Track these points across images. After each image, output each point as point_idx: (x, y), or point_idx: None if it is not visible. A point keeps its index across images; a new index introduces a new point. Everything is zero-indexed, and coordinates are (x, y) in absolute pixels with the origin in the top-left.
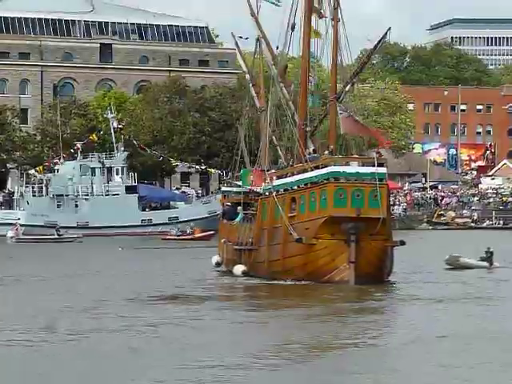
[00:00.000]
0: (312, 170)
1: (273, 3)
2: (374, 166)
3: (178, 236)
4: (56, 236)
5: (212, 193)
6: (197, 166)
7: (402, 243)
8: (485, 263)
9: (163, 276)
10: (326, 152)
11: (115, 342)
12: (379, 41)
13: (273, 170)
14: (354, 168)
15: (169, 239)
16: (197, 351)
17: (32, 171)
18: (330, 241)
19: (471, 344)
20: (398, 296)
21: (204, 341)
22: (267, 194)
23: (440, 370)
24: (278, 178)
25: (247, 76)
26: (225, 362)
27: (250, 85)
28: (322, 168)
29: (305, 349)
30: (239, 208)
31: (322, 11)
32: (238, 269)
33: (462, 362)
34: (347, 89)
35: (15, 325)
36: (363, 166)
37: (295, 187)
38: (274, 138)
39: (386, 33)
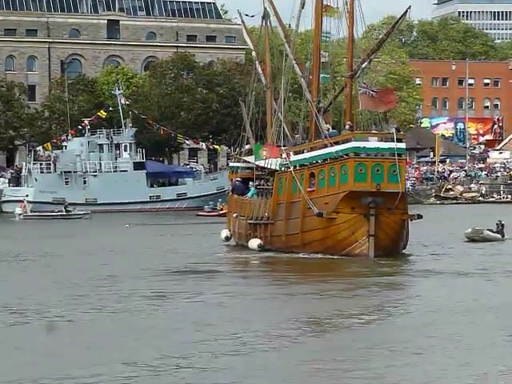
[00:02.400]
0: (332, 146)
1: None
2: (393, 141)
3: (209, 212)
4: (64, 212)
5: (220, 169)
6: (203, 145)
7: (420, 217)
8: (498, 235)
9: (174, 252)
10: (347, 127)
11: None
12: (399, 19)
13: (289, 146)
14: (374, 143)
15: (202, 215)
16: (212, 327)
17: (40, 148)
18: (350, 215)
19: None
20: (414, 270)
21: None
22: (283, 169)
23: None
24: (295, 153)
25: (253, 53)
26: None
27: (257, 62)
28: (341, 144)
29: (321, 322)
30: (251, 183)
31: None
32: (254, 242)
33: (472, 333)
34: (364, 66)
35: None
36: (382, 141)
37: (314, 162)
38: (279, 114)
39: (406, 11)
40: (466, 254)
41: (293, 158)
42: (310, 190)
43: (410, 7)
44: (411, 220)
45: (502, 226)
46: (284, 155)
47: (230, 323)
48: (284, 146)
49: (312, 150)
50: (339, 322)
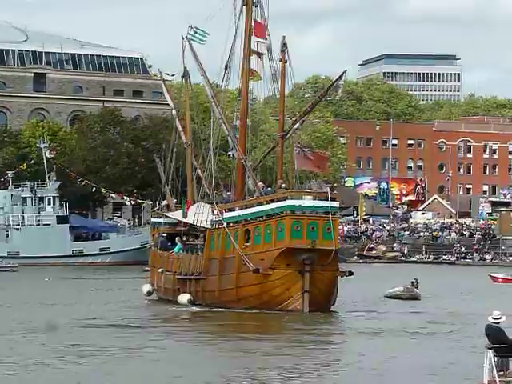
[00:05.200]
0: (267, 204)
1: (198, 41)
2: (327, 199)
3: None
4: None
5: (145, 224)
6: (127, 199)
7: (351, 273)
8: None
9: (103, 305)
10: (283, 185)
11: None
12: (334, 81)
13: (221, 203)
14: (309, 202)
15: None
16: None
17: None
18: (286, 271)
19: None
20: (342, 328)
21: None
22: (214, 225)
23: None
24: (228, 210)
25: (173, 111)
26: None
27: (177, 119)
28: (277, 202)
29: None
30: (177, 239)
31: (260, 52)
32: (183, 297)
33: None
34: (296, 126)
35: None
36: (317, 199)
37: (248, 219)
38: (199, 171)
39: (342, 74)
40: (388, 313)
41: (226, 214)
42: (244, 246)
43: (345, 71)
44: (342, 276)
45: (418, 283)
46: (216, 212)
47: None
48: (210, 203)
49: (246, 207)
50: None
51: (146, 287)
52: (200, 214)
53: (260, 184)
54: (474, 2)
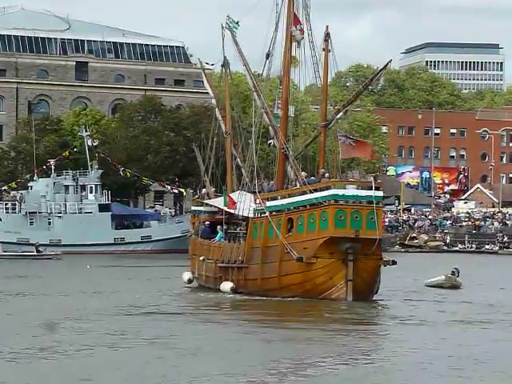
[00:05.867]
0: (311, 193)
1: (232, 30)
2: (370, 189)
3: None
4: (35, 253)
5: (185, 212)
6: (168, 187)
7: (394, 263)
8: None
9: (145, 293)
10: (327, 175)
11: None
12: (379, 71)
13: (264, 192)
14: (353, 191)
15: None
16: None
17: (5, 188)
18: (329, 260)
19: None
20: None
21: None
22: (257, 214)
23: None
24: (272, 199)
25: (213, 100)
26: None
27: (216, 109)
28: (321, 191)
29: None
30: (219, 227)
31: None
32: (226, 285)
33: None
34: (339, 116)
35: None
36: (361, 189)
37: (291, 208)
38: (238, 160)
39: (387, 64)
40: (431, 301)
41: (268, 203)
42: (287, 235)
43: (390, 61)
44: (385, 266)
45: (458, 272)
46: (258, 201)
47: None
48: (252, 192)
49: (289, 196)
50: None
51: (187, 275)
52: (242, 203)
53: (303, 173)
54: None
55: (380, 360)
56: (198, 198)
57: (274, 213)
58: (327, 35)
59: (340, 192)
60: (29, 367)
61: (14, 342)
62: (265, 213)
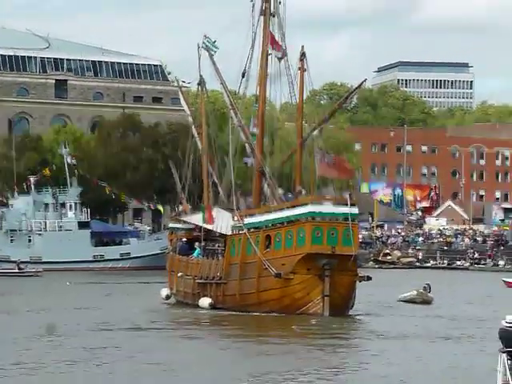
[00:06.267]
0: (288, 210)
1: (209, 50)
2: (346, 205)
3: None
4: (17, 270)
5: (164, 229)
6: (146, 205)
7: (369, 278)
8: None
9: (124, 309)
10: (304, 192)
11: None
12: (353, 90)
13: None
14: (329, 208)
15: None
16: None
17: None
18: (306, 275)
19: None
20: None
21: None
22: (235, 231)
23: None
24: (250, 216)
25: (189, 118)
26: None
27: (193, 126)
28: (298, 207)
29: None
30: (196, 244)
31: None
32: (205, 301)
33: None
34: (314, 133)
35: None
36: (337, 205)
37: (270, 225)
38: (214, 177)
39: (362, 83)
40: (405, 316)
41: (246, 220)
42: (265, 251)
43: (365, 80)
44: (360, 281)
45: (430, 288)
46: (236, 217)
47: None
48: (229, 209)
49: (267, 213)
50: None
51: (165, 291)
52: (219, 220)
53: (280, 191)
54: (486, 12)
55: (354, 373)
56: (175, 215)
57: (252, 229)
58: (303, 55)
59: (317, 209)
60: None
61: None
62: (243, 229)
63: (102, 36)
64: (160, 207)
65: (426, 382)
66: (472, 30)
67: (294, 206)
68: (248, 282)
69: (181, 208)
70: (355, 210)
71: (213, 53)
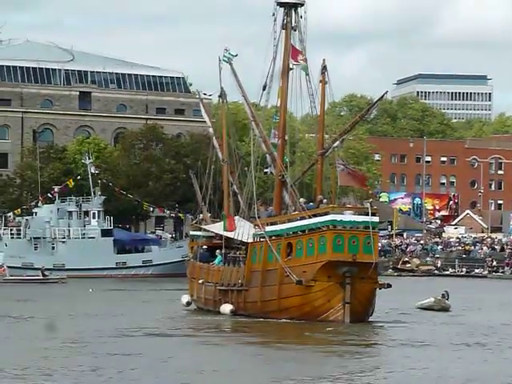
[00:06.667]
0: (310, 218)
1: (230, 61)
2: (367, 215)
3: None
4: (41, 277)
5: (185, 237)
6: (167, 212)
7: (389, 286)
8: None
9: (144, 316)
10: (325, 201)
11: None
12: (375, 102)
13: (264, 217)
14: (350, 217)
15: None
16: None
17: (10, 214)
18: (327, 283)
19: None
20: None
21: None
22: (256, 239)
23: None
24: (271, 224)
25: (210, 130)
26: None
27: (214, 137)
28: (320, 216)
29: None
30: (218, 251)
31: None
32: (226, 308)
33: None
34: (335, 144)
35: None
36: (357, 214)
37: (290, 233)
38: (234, 187)
39: (383, 95)
40: (424, 323)
41: (268, 228)
42: (286, 259)
43: (386, 92)
44: (381, 289)
45: (448, 295)
46: (258, 226)
47: None
48: (251, 217)
49: (288, 221)
50: None
51: (185, 298)
52: (241, 228)
53: (301, 200)
54: (498, 25)
55: (373, 379)
56: (195, 223)
57: (273, 237)
58: (324, 68)
59: (338, 217)
60: None
61: (15, 362)
62: (264, 237)
63: (125, 49)
64: (180, 215)
65: None
66: (490, 44)
67: (315, 215)
68: (269, 288)
69: (201, 216)
70: (376, 219)
71: (231, 60)
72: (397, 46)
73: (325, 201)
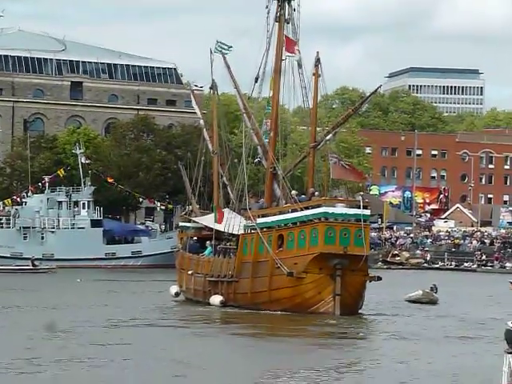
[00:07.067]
0: (302, 210)
1: (222, 52)
2: (358, 207)
3: None
4: (31, 267)
5: (175, 228)
6: (157, 204)
7: (379, 278)
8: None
9: (132, 306)
10: (317, 193)
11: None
12: (369, 96)
13: (255, 209)
14: (342, 209)
15: None
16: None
17: (0, 203)
18: (318, 275)
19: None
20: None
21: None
22: (247, 231)
23: None
24: (263, 216)
25: (201, 121)
26: None
27: (204, 129)
28: (311, 209)
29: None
30: (208, 242)
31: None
32: (216, 299)
33: None
34: (328, 137)
35: None
36: (349, 207)
37: (282, 225)
38: (224, 179)
39: (377, 89)
40: (409, 317)
41: (259, 220)
42: (277, 251)
43: (380, 86)
44: (371, 281)
45: (436, 288)
46: (249, 217)
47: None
48: (243, 209)
49: (280, 213)
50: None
51: (174, 289)
52: (231, 220)
53: (293, 192)
54: (498, 20)
55: (362, 372)
56: (185, 214)
57: (264, 229)
58: (317, 61)
59: (330, 210)
60: (20, 379)
61: (5, 353)
62: (255, 229)
63: (117, 39)
64: (170, 206)
65: (433, 381)
66: (483, 38)
67: (307, 207)
68: (260, 280)
69: (190, 208)
70: (367, 212)
71: (226, 52)
72: (394, 39)
73: (317, 193)
